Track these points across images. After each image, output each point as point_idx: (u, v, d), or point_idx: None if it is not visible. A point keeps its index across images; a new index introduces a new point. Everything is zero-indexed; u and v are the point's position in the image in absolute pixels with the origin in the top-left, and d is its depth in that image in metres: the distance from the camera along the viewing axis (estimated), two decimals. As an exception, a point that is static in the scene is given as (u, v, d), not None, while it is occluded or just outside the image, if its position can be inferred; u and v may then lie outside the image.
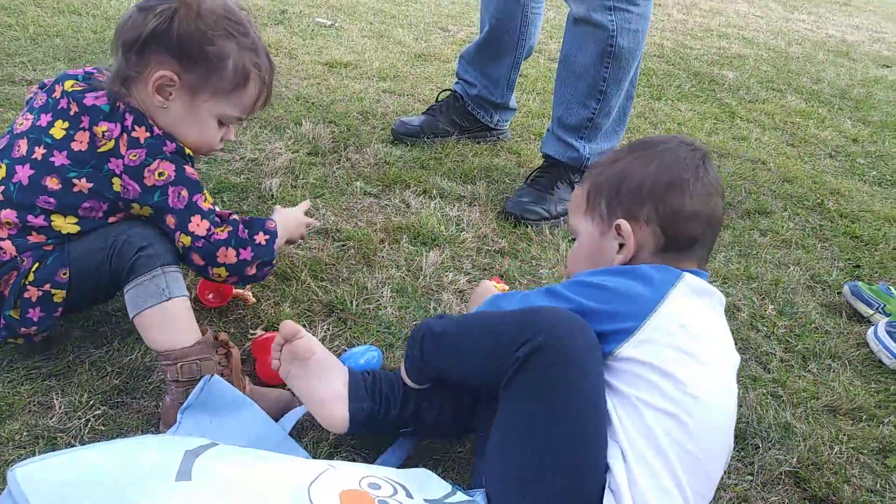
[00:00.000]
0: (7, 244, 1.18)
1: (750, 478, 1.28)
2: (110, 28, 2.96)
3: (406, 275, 1.70)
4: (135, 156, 1.18)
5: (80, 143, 1.18)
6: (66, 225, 1.19)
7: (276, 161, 2.12)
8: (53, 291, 1.19)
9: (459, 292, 1.67)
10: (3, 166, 1.21)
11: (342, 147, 2.29)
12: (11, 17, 2.88)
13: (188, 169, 1.23)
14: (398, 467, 1.15)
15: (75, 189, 1.18)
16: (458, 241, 1.87)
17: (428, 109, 2.48)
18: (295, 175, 2.07)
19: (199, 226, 1.22)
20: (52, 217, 1.19)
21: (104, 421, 1.20)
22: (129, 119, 1.18)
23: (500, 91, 2.42)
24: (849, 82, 4.35)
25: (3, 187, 1.19)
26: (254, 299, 1.51)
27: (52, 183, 1.18)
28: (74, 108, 1.19)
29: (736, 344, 1.63)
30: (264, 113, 2.42)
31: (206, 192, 1.25)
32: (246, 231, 1.28)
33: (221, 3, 1.23)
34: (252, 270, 1.29)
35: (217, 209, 1.28)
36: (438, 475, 1.07)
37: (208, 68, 1.20)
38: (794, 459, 1.32)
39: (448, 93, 2.49)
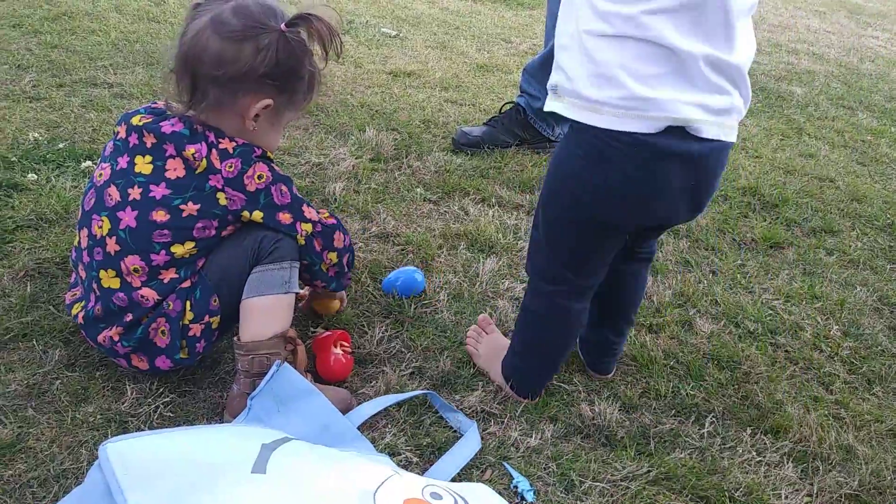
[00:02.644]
0: (147, 291, 1.20)
1: (808, 499, 1.25)
2: (186, 35, 3.08)
3: (463, 280, 1.72)
4: (231, 166, 1.19)
5: (175, 170, 1.19)
6: (186, 251, 1.21)
7: (339, 166, 2.17)
8: (211, 320, 1.24)
9: (515, 300, 1.68)
10: (104, 219, 1.21)
11: (404, 154, 2.33)
12: (95, 23, 3.03)
13: (276, 168, 1.26)
14: (460, 473, 1.17)
15: (184, 214, 1.19)
16: (515, 250, 1.89)
17: (489, 120, 2.50)
18: (358, 180, 2.12)
19: (310, 213, 1.29)
20: (172, 248, 1.20)
21: (172, 408, 1.25)
22: (211, 135, 1.20)
23: (563, 103, 2.43)
24: (925, 101, 4.19)
25: (114, 237, 1.19)
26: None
27: (160, 216, 1.18)
28: (151, 140, 1.20)
29: (798, 364, 1.61)
30: (330, 119, 2.49)
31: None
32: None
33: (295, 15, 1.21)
34: (346, 259, 1.38)
35: None
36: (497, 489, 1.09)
37: (295, 87, 1.24)
38: (856, 482, 1.29)
39: (511, 105, 2.51)
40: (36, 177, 1.80)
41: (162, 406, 1.25)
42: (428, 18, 4.12)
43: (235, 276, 1.23)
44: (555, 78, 1.12)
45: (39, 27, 2.84)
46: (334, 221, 1.34)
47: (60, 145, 1.96)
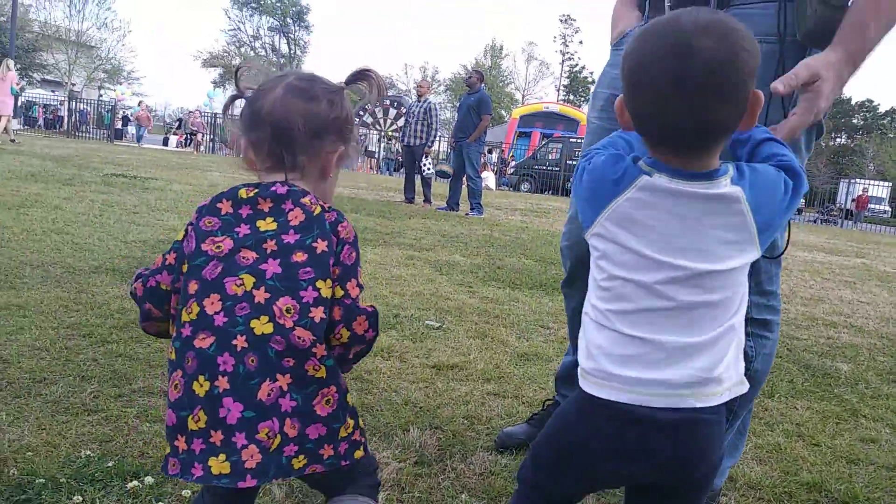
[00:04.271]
0: (301, 332, 1.23)
1: None
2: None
3: None
4: (330, 215, 1.35)
5: (297, 218, 1.31)
6: (326, 289, 1.28)
7: (383, 473, 2.14)
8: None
9: None
10: (245, 276, 1.26)
11: (448, 455, 2.30)
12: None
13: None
14: None
15: (318, 251, 1.29)
16: (569, 568, 1.75)
17: (531, 417, 2.50)
18: (401, 488, 2.07)
19: (353, 290, 1.33)
20: (318, 284, 1.27)
21: None
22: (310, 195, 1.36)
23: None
24: (981, 372, 4.08)
25: (262, 287, 1.25)
26: None
27: (299, 256, 1.27)
28: (268, 205, 1.32)
29: None
30: (375, 419, 2.51)
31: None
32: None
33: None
34: (358, 350, 1.38)
35: None
36: None
37: (352, 134, 1.43)
38: None
39: (552, 401, 2.51)
40: (81, 499, 1.80)
41: None
42: (469, 308, 4.34)
43: None
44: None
45: (108, 336, 3.05)
46: (369, 309, 1.35)
47: (110, 463, 1.99)
